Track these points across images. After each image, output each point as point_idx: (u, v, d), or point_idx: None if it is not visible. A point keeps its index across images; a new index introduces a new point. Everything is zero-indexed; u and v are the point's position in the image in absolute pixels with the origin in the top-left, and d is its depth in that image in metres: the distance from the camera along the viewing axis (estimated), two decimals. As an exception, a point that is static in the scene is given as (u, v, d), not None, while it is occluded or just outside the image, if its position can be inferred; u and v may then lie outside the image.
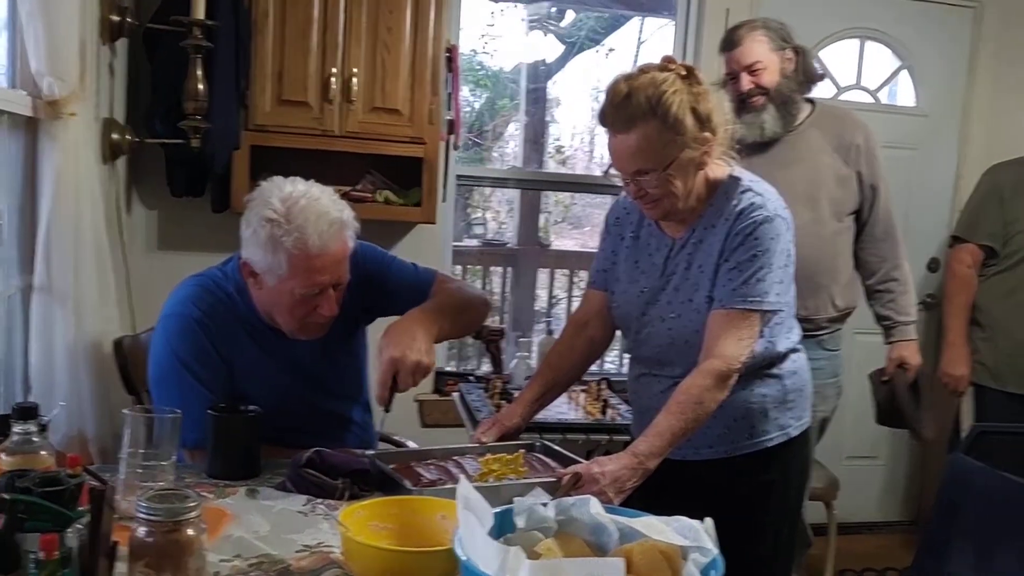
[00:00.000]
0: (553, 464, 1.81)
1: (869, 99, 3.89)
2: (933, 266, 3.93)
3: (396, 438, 2.55)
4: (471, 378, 3.39)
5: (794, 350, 1.96)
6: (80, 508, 1.14)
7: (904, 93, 4.01)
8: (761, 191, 1.83)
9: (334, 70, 2.89)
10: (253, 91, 2.86)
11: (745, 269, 1.76)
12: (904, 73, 3.91)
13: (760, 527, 1.93)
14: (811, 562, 3.30)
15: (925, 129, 3.90)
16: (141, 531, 1.14)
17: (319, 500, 1.62)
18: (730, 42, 2.71)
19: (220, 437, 1.76)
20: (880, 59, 3.93)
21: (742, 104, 2.67)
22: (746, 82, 2.66)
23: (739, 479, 1.91)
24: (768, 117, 2.65)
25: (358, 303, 2.05)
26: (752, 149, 2.62)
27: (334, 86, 2.89)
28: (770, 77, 2.65)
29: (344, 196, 3.03)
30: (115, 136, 2.62)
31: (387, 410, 1.86)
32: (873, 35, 3.81)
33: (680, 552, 1.17)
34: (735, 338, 1.75)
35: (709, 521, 1.20)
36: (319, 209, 1.81)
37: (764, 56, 2.65)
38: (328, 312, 1.88)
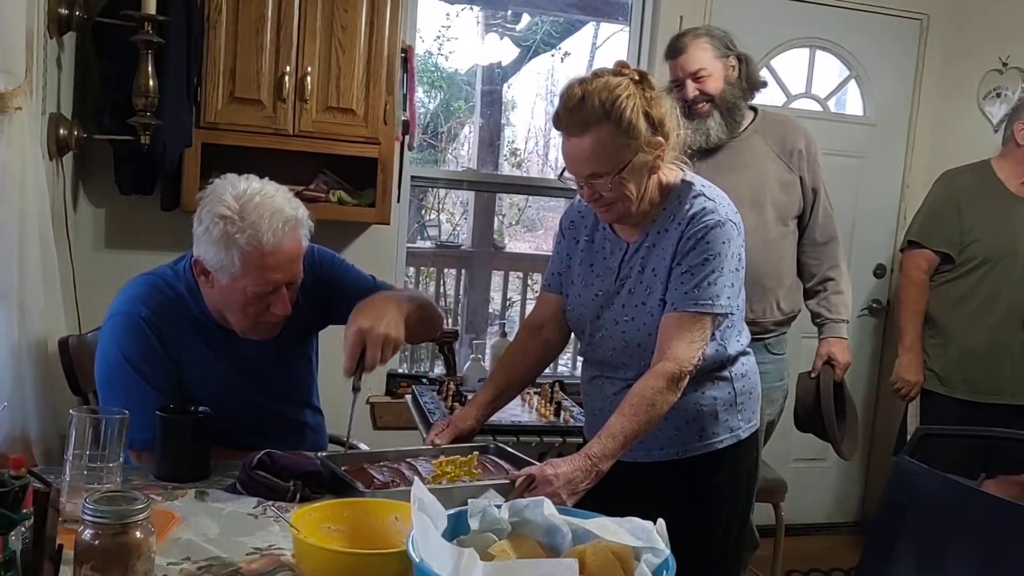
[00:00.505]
0: (507, 466, 1.81)
1: (818, 107, 3.95)
2: (879, 272, 4.01)
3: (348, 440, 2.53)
4: (424, 380, 3.38)
5: (744, 353, 1.99)
6: (24, 511, 1.11)
7: (852, 102, 4.09)
8: (713, 196, 1.85)
9: (288, 68, 2.86)
10: (205, 88, 2.82)
11: (697, 273, 1.79)
12: (852, 82, 3.98)
13: (710, 528, 1.95)
14: (759, 563, 3.35)
15: (873, 138, 3.97)
16: (87, 534, 1.12)
17: (270, 502, 1.61)
18: (675, 49, 2.74)
19: (169, 438, 1.73)
20: (829, 68, 4.00)
21: (688, 111, 2.69)
22: (691, 89, 2.69)
23: (689, 481, 1.93)
24: (713, 123, 2.69)
25: (312, 306, 2.04)
26: (698, 155, 2.65)
27: (288, 85, 2.86)
28: (714, 84, 2.69)
29: (297, 196, 3.03)
30: (62, 132, 2.56)
31: (356, 388, 1.82)
32: (823, 44, 3.87)
33: (633, 553, 1.18)
34: (687, 341, 1.77)
35: (661, 522, 1.21)
36: (274, 207, 1.80)
37: (708, 63, 2.69)
38: (281, 311, 1.86)
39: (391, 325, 1.82)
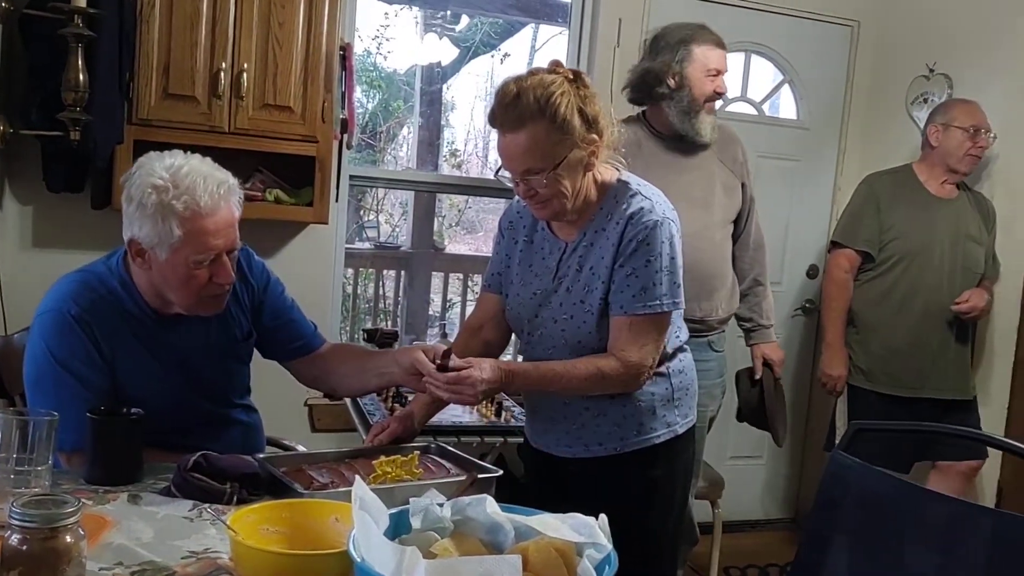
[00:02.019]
0: (448, 466, 1.80)
1: (754, 111, 4.02)
2: (812, 272, 4.09)
3: (285, 442, 2.50)
4: (363, 381, 3.34)
5: (681, 349, 2.03)
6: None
7: (786, 106, 4.16)
8: (649, 195, 1.88)
9: (224, 65, 2.81)
10: (137, 84, 2.75)
11: (642, 275, 1.82)
12: (787, 87, 4.06)
13: (647, 523, 1.98)
14: (697, 559, 3.39)
15: (806, 141, 4.05)
16: (14, 539, 1.08)
17: (206, 505, 1.57)
18: (722, 43, 2.77)
19: (100, 440, 1.68)
20: (764, 72, 4.07)
21: (698, 105, 2.70)
22: (724, 84, 2.74)
23: (628, 476, 1.96)
24: (711, 121, 2.74)
25: (248, 309, 2.01)
26: (655, 152, 2.69)
27: (223, 81, 2.81)
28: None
29: (233, 194, 2.99)
30: (-14, 126, 2.49)
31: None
32: (758, 49, 3.94)
33: (575, 549, 1.18)
34: (639, 344, 1.83)
35: (603, 517, 1.21)
36: (205, 172, 1.79)
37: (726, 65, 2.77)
38: (225, 278, 1.83)
39: None
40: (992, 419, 3.56)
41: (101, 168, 2.77)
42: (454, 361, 1.75)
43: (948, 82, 3.76)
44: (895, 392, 3.27)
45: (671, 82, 2.67)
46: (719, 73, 2.71)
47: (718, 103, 2.80)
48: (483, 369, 1.75)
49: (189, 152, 1.85)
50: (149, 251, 1.78)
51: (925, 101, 3.77)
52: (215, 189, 1.77)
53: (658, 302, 1.82)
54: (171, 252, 1.77)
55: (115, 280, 1.87)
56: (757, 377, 3.03)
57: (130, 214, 1.78)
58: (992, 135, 3.30)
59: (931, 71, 3.82)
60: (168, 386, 1.89)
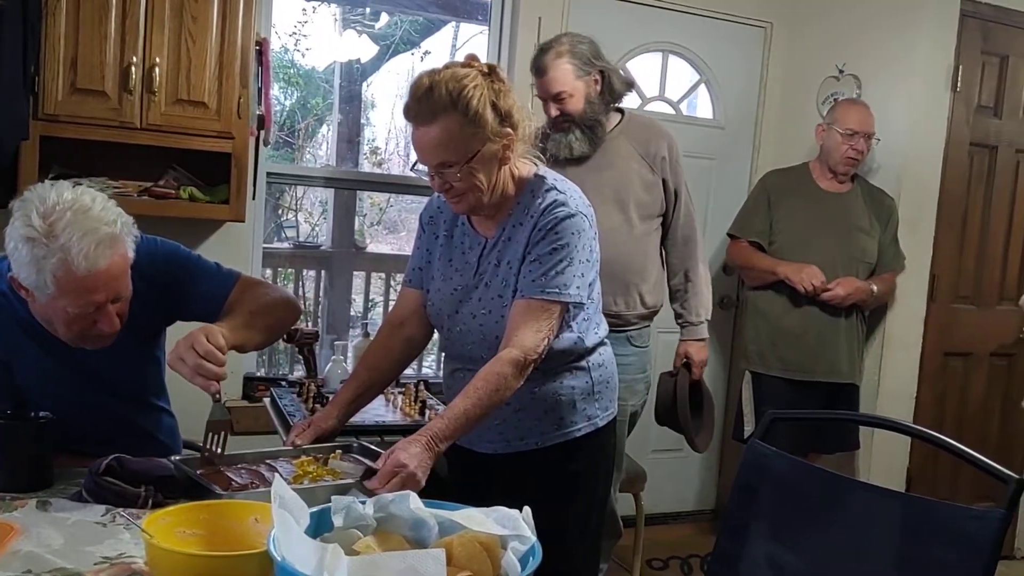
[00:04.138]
0: (372, 465, 1.78)
1: (671, 110, 4.08)
2: (728, 269, 4.17)
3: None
4: (283, 383, 3.29)
5: (601, 344, 2.04)
6: None
7: (703, 105, 4.24)
8: (564, 189, 1.89)
9: (134, 59, 2.73)
10: (44, 78, 2.66)
11: (546, 262, 1.82)
12: (703, 87, 4.13)
13: (569, 516, 1.99)
14: (620, 553, 3.43)
15: (722, 140, 4.13)
16: (-88, 548, 1.03)
17: (119, 509, 1.52)
18: (538, 69, 2.81)
19: (6, 446, 1.62)
20: (681, 72, 4.13)
21: (553, 124, 2.77)
22: (553, 110, 2.79)
23: (549, 470, 1.97)
24: (575, 139, 2.80)
25: (156, 308, 1.94)
26: (566, 160, 2.74)
27: (134, 75, 2.73)
28: (575, 105, 2.78)
29: (145, 192, 2.92)
30: None
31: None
32: (675, 49, 4.00)
33: (499, 542, 1.18)
34: (533, 329, 1.80)
35: (527, 510, 1.22)
36: (86, 226, 1.65)
37: (569, 85, 2.77)
38: (108, 328, 1.75)
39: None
40: (900, 407, 3.70)
41: (5, 165, 2.67)
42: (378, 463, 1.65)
43: (857, 83, 3.88)
44: (789, 376, 3.43)
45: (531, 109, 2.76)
46: (547, 98, 2.80)
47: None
48: (402, 449, 1.63)
49: (84, 185, 1.74)
50: (30, 290, 1.70)
51: (834, 101, 3.89)
52: (93, 249, 1.64)
53: (557, 290, 1.81)
54: (49, 299, 1.69)
55: (5, 284, 1.79)
56: (672, 374, 3.08)
57: (9, 251, 1.69)
58: (874, 139, 3.45)
59: (841, 72, 3.93)
60: (73, 390, 1.83)
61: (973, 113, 3.79)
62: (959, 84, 3.71)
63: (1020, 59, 3.86)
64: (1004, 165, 3.89)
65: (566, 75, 2.76)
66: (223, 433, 1.73)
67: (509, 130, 1.81)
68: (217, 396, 1.72)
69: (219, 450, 1.73)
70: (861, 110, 3.48)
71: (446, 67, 1.80)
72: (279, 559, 1.06)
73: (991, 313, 3.94)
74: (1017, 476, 1.50)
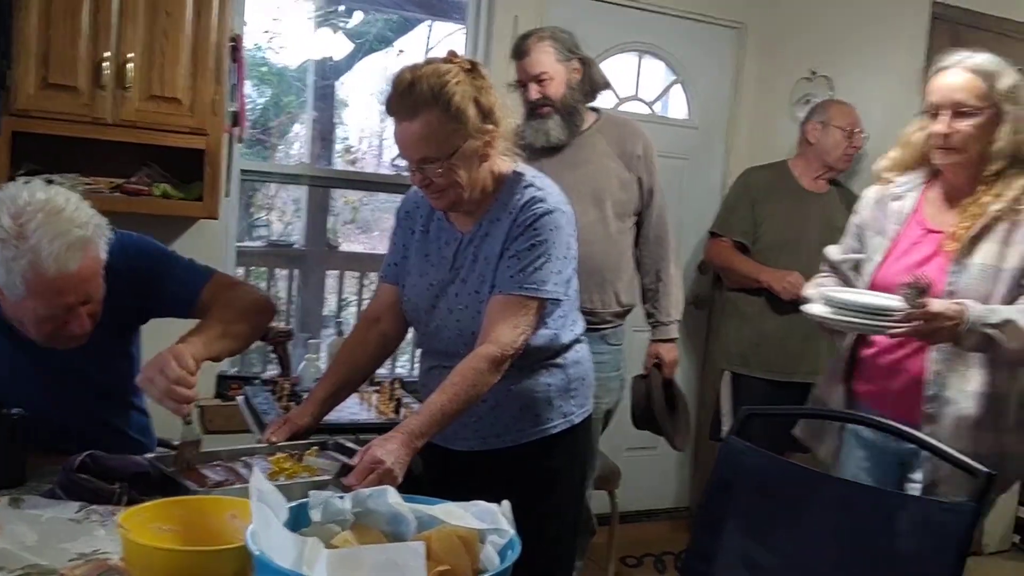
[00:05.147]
0: (348, 461, 1.78)
1: (646, 110, 4.10)
2: (703, 268, 4.19)
3: (176, 443, 2.42)
4: (257, 381, 3.27)
5: (577, 341, 2.05)
6: None
7: (677, 106, 4.26)
8: (543, 186, 1.90)
9: (107, 54, 2.70)
10: (15, 72, 2.62)
11: (524, 257, 1.83)
12: (677, 87, 4.15)
13: (545, 512, 1.98)
14: (595, 550, 3.44)
15: (696, 140, 4.16)
16: None
17: (94, 506, 1.51)
18: (519, 51, 2.81)
19: (-23, 443, 1.60)
20: (656, 72, 4.16)
21: (531, 111, 2.78)
22: (534, 91, 2.78)
23: (526, 467, 1.97)
24: (553, 125, 2.78)
25: (129, 306, 1.93)
26: (542, 152, 2.74)
27: (107, 71, 2.70)
28: (556, 88, 2.78)
29: (117, 189, 2.89)
30: None
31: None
32: (650, 50, 4.02)
33: (478, 536, 1.18)
34: (511, 324, 1.80)
35: (506, 503, 1.23)
36: (57, 228, 1.64)
37: (551, 67, 2.78)
38: (78, 330, 1.74)
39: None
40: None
41: (-26, 161, 2.63)
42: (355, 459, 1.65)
43: (829, 84, 3.92)
44: (770, 376, 3.43)
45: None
46: (521, 82, 2.81)
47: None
48: (380, 445, 1.63)
49: (56, 184, 1.73)
50: (0, 288, 1.69)
51: (807, 102, 3.93)
52: (63, 251, 1.63)
53: (535, 286, 1.82)
54: (19, 300, 1.68)
55: None
56: (644, 374, 3.09)
57: None
58: (865, 135, 3.48)
59: (813, 73, 3.97)
60: (46, 388, 1.81)
61: (943, 115, 3.83)
62: (929, 86, 3.76)
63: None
64: (973, 166, 3.94)
65: (548, 56, 2.78)
66: (194, 454, 1.72)
67: (491, 126, 1.81)
68: (188, 419, 1.72)
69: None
70: (851, 107, 3.53)
71: (428, 62, 1.80)
72: (258, 553, 1.06)
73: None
74: (986, 470, 1.53)
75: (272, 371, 3.57)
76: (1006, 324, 1.94)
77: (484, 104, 1.80)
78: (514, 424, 1.96)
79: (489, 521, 1.20)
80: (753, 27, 4.13)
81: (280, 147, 5.76)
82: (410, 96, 1.75)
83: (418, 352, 2.26)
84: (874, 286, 2.18)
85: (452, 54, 1.83)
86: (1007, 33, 4.21)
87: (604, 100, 3.63)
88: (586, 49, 2.98)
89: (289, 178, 4.02)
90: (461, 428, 1.95)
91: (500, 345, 1.78)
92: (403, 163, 1.83)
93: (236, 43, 3.05)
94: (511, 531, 1.18)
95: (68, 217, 1.66)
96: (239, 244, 3.70)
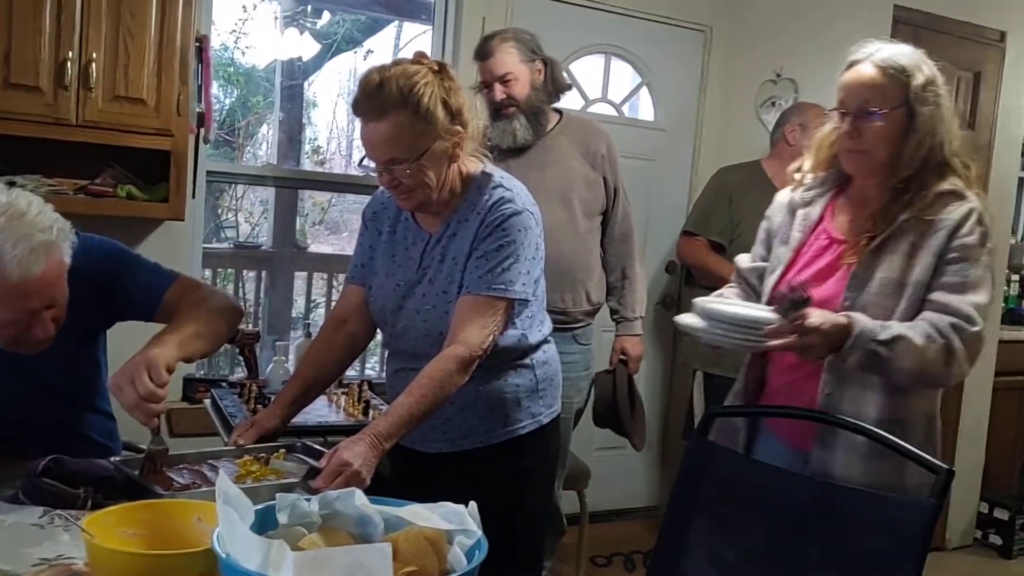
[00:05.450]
0: (315, 464, 1.77)
1: (614, 112, 4.12)
2: (670, 268, 4.22)
3: (143, 447, 2.40)
4: (224, 384, 3.24)
5: (545, 341, 2.06)
6: None
7: (644, 107, 4.29)
8: (511, 187, 1.91)
9: (70, 54, 2.68)
10: (-25, 73, 2.59)
11: (492, 258, 1.83)
12: (645, 89, 4.18)
13: (515, 514, 1.99)
14: (565, 550, 3.45)
15: (663, 141, 4.18)
16: None
17: (58, 511, 1.50)
18: (483, 52, 2.83)
19: (-63, 448, 1.58)
20: (623, 75, 4.18)
21: (496, 112, 2.79)
22: (498, 92, 2.80)
23: (494, 468, 1.97)
24: (519, 125, 2.80)
25: (95, 307, 1.91)
26: (508, 153, 2.76)
27: (70, 71, 2.68)
28: (520, 88, 2.80)
29: (81, 191, 2.86)
30: None
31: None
32: (617, 52, 4.04)
33: (445, 536, 1.19)
34: (479, 325, 1.81)
35: (473, 505, 1.23)
36: (19, 232, 1.62)
37: (515, 67, 2.80)
38: (42, 335, 1.72)
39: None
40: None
41: (-66, 162, 2.60)
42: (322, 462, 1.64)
43: (794, 86, 3.97)
44: None
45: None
46: (486, 83, 2.83)
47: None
48: (346, 447, 1.63)
49: (18, 188, 1.71)
50: None
51: (773, 104, 3.97)
52: (26, 256, 1.61)
53: (503, 287, 1.82)
54: None
55: None
56: (610, 369, 3.10)
57: None
58: None
59: (778, 76, 4.02)
60: (8, 393, 1.79)
61: (905, 117, 3.89)
62: (891, 89, 3.81)
63: (951, 65, 3.98)
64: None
65: (512, 57, 2.81)
66: (160, 464, 1.71)
67: (459, 128, 1.81)
68: (156, 429, 1.71)
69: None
70: (824, 109, 3.54)
71: (396, 63, 1.80)
72: (224, 556, 1.06)
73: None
74: (946, 466, 1.55)
75: (239, 374, 3.54)
76: (897, 341, 1.72)
77: (453, 105, 1.80)
78: (483, 425, 1.96)
79: (456, 522, 1.20)
80: (719, 30, 4.16)
81: (248, 148, 5.74)
82: (378, 97, 1.74)
83: (386, 353, 2.25)
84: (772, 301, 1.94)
85: (420, 55, 1.84)
86: (967, 36, 4.30)
87: (572, 102, 3.66)
88: (554, 51, 3.01)
89: (256, 179, 4.00)
90: (429, 430, 1.95)
91: (468, 346, 1.78)
92: (371, 164, 1.82)
93: (202, 43, 3.03)
94: (478, 532, 1.19)
95: (31, 221, 1.64)
96: (206, 246, 3.68)
